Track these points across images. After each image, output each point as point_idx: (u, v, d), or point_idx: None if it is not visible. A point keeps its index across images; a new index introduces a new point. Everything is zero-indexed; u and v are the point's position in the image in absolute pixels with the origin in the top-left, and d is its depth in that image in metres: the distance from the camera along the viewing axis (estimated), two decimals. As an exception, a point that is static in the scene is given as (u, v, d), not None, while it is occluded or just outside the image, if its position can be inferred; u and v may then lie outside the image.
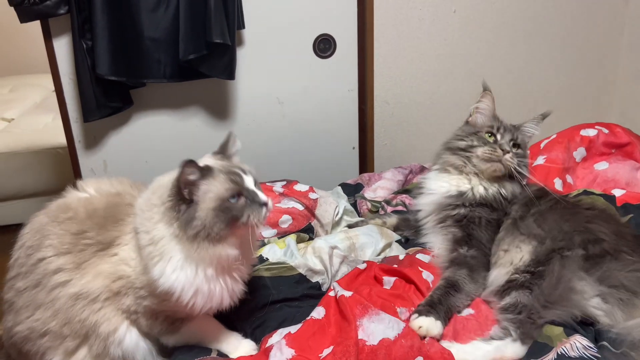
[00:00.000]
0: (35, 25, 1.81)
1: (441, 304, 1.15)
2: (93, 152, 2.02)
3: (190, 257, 0.99)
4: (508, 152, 1.35)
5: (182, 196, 0.98)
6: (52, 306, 1.05)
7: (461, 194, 1.39)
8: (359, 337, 1.04)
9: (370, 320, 1.06)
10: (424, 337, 1.09)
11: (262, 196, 1.04)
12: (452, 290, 1.20)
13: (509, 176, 1.37)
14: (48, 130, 2.87)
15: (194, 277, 1.00)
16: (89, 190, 1.16)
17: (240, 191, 1.01)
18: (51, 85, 2.04)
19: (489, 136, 1.40)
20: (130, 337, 1.09)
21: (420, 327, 1.10)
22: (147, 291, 1.05)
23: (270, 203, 1.05)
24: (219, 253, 1.00)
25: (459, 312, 1.18)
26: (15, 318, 1.09)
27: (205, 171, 1.00)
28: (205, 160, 1.07)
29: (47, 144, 2.70)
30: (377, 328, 1.05)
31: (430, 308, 1.14)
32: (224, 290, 1.05)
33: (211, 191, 0.99)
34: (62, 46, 1.85)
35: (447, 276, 1.25)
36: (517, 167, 1.35)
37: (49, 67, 1.89)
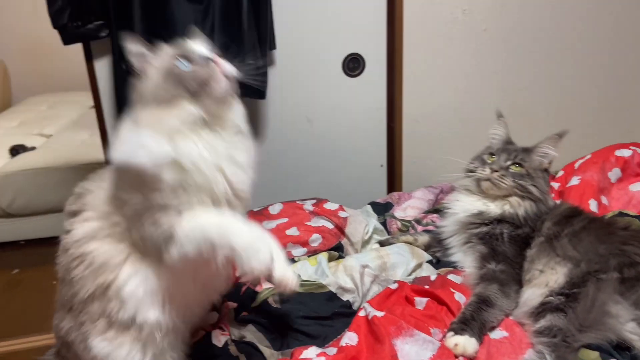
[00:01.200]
0: (74, 45, 1.89)
1: (474, 320, 1.16)
2: (129, 168, 2.09)
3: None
4: (496, 171, 1.40)
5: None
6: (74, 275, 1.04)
7: (480, 213, 1.43)
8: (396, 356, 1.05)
9: (404, 341, 1.07)
10: (458, 357, 1.09)
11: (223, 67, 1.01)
12: (484, 305, 1.20)
13: (520, 196, 1.40)
14: (85, 146, 2.97)
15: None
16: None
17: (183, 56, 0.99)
18: (88, 103, 2.12)
19: (490, 157, 1.46)
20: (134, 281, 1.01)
21: (456, 344, 1.10)
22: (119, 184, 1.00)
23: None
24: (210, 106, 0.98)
25: (493, 327, 1.18)
26: (59, 313, 1.10)
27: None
28: None
29: (84, 159, 2.78)
30: (411, 350, 1.05)
31: (464, 325, 1.14)
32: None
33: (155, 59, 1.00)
34: (102, 68, 1.92)
35: (478, 292, 1.25)
36: (516, 188, 1.39)
37: (90, 86, 1.96)
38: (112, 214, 1.03)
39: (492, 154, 1.47)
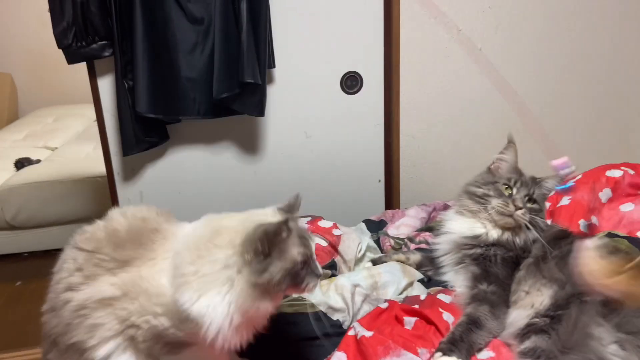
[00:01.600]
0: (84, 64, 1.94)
1: (463, 341, 1.17)
2: (131, 183, 2.13)
3: (235, 301, 1.00)
4: (520, 209, 1.38)
5: (263, 249, 0.99)
6: (62, 322, 1.06)
7: (476, 237, 1.43)
8: None
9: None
10: None
11: (319, 267, 1.09)
12: (473, 326, 1.21)
13: (528, 228, 1.40)
14: (89, 159, 3.03)
15: (224, 318, 1.00)
16: (114, 216, 1.16)
17: (308, 258, 1.05)
18: (93, 116, 2.17)
19: (506, 188, 1.44)
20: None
21: None
22: (162, 310, 1.03)
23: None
24: (262, 306, 1.03)
25: (480, 349, 1.20)
26: (44, 342, 1.12)
27: (287, 224, 1.02)
28: (275, 215, 1.10)
29: (87, 172, 2.84)
30: None
31: (452, 345, 1.16)
32: (244, 338, 1.06)
33: (287, 252, 1.02)
34: (106, 85, 1.97)
35: (468, 312, 1.27)
36: (529, 223, 1.39)
37: (93, 104, 2.01)
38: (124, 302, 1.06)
39: (506, 185, 1.43)
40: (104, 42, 1.85)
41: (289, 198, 1.15)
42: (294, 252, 1.03)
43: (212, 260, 1.01)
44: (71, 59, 1.87)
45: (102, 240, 1.09)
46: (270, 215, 1.09)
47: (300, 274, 1.03)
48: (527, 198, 1.42)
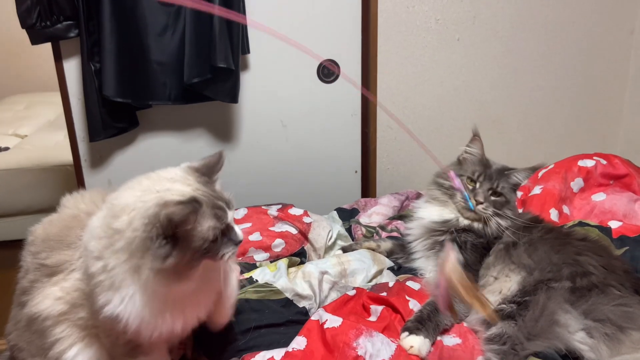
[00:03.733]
0: (50, 46, 1.88)
1: (430, 321, 1.18)
2: (98, 170, 2.07)
3: (146, 289, 0.90)
4: (481, 203, 1.39)
5: (166, 234, 0.87)
6: (21, 326, 1.05)
7: (446, 221, 1.43)
8: (359, 354, 1.07)
9: (367, 339, 1.09)
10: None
11: (239, 234, 0.96)
12: None
13: (495, 219, 1.40)
14: (59, 147, 2.93)
15: (142, 308, 0.91)
16: (65, 208, 1.11)
17: (224, 229, 0.93)
18: (65, 104, 2.10)
19: (470, 182, 1.44)
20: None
21: (411, 346, 1.12)
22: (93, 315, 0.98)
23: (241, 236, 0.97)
24: (178, 288, 0.92)
25: (447, 330, 1.21)
26: (8, 327, 1.11)
27: (196, 207, 0.88)
28: (185, 180, 0.94)
29: (56, 161, 2.75)
30: (375, 346, 1.09)
31: (420, 324, 1.16)
32: (175, 321, 0.97)
33: (196, 230, 0.89)
34: (72, 68, 1.91)
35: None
36: (493, 215, 1.38)
37: (59, 87, 1.95)
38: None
39: (470, 179, 1.44)
40: (69, 22, 1.79)
41: (209, 157, 1.00)
42: (205, 228, 0.89)
43: (115, 250, 0.90)
44: (35, 39, 1.80)
45: (40, 242, 1.05)
46: (178, 182, 0.94)
47: (213, 247, 0.91)
48: (490, 192, 1.41)
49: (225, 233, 0.94)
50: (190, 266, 0.90)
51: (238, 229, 0.96)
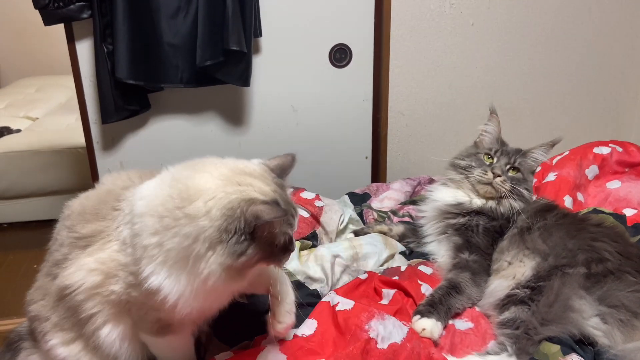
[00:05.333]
0: (62, 28, 1.87)
1: (442, 304, 1.18)
2: (110, 153, 2.07)
3: (197, 277, 0.88)
4: (499, 176, 1.39)
5: (248, 231, 0.85)
6: (52, 298, 1.06)
7: (459, 204, 1.44)
8: (371, 336, 1.07)
9: (378, 322, 1.10)
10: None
11: (294, 243, 0.96)
12: (453, 291, 1.22)
13: (512, 198, 1.40)
14: (70, 130, 2.95)
15: (185, 288, 0.89)
16: (102, 185, 1.11)
17: (290, 237, 0.92)
18: (75, 86, 2.11)
19: (488, 158, 1.45)
20: (112, 336, 1.01)
21: (423, 329, 1.12)
22: (134, 279, 0.95)
23: None
24: (231, 287, 0.92)
25: (457, 314, 1.21)
26: (32, 296, 1.11)
27: (285, 211, 0.87)
28: (265, 179, 0.93)
29: (68, 143, 2.77)
30: (386, 329, 1.09)
31: (431, 308, 1.17)
32: (211, 305, 0.98)
33: (273, 234, 0.88)
34: (84, 49, 1.91)
35: (450, 277, 1.28)
36: (511, 191, 1.38)
37: (71, 69, 1.95)
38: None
39: (488, 155, 1.44)
40: (82, 2, 1.78)
41: (280, 157, 0.99)
42: (280, 232, 0.89)
43: (178, 233, 0.86)
44: (48, 20, 1.80)
45: (77, 215, 1.04)
46: (258, 179, 0.91)
47: (277, 253, 0.92)
48: (508, 167, 1.42)
49: (287, 242, 0.93)
50: (251, 267, 0.89)
51: (294, 238, 0.96)
